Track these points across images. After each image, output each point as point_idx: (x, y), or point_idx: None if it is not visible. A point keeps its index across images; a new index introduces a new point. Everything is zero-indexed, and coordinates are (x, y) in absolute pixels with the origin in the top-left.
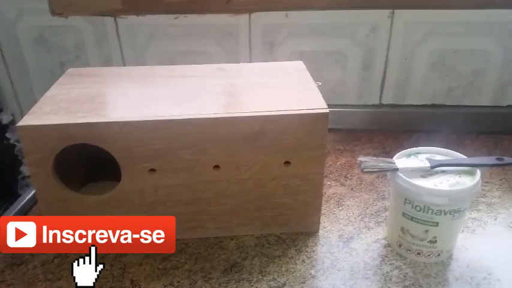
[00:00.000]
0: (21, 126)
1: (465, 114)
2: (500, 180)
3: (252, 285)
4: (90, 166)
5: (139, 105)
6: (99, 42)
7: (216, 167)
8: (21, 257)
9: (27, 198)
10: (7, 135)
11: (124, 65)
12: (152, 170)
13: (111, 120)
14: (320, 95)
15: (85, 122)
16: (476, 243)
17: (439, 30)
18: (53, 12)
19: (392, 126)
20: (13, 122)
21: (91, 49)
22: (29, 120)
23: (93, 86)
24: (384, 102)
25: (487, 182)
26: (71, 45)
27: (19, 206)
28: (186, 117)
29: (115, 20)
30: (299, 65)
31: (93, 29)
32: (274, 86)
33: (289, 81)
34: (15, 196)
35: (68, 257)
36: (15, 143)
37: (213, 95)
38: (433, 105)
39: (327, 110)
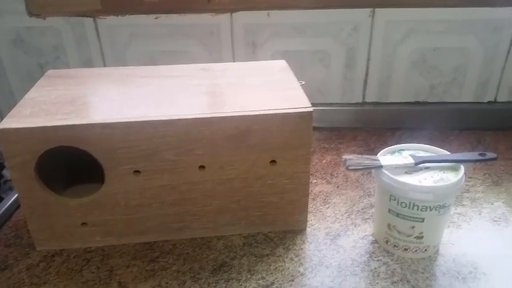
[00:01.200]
0: (1, 130)
1: (447, 111)
2: (484, 175)
3: (241, 285)
4: (70, 169)
5: (121, 106)
6: (79, 43)
7: (202, 167)
8: (5, 262)
9: (9, 202)
10: None
11: (105, 66)
12: (137, 172)
13: (93, 121)
14: (304, 94)
15: (66, 124)
16: (462, 238)
17: (419, 28)
18: (30, 13)
19: (376, 124)
20: None
21: (70, 50)
22: (8, 123)
23: (73, 87)
24: (367, 100)
25: (470, 178)
26: (49, 47)
27: (1, 210)
28: (170, 118)
29: (94, 20)
30: (282, 64)
31: (72, 30)
32: (257, 85)
33: (272, 81)
34: None
35: (54, 261)
36: None
37: (197, 95)
38: (416, 103)
39: (311, 109)
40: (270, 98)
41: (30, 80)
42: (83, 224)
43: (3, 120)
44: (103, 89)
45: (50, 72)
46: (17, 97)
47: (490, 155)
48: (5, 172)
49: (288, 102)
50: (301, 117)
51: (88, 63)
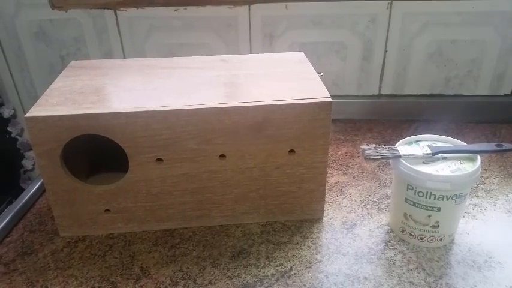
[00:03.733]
0: (30, 117)
1: (463, 103)
2: (499, 167)
3: (260, 270)
4: (94, 158)
5: (144, 96)
6: (99, 35)
7: (222, 156)
8: (31, 247)
9: (33, 189)
10: (8, 129)
11: (124, 58)
12: (159, 160)
13: (118, 111)
14: (322, 85)
15: (93, 112)
16: (477, 228)
17: (436, 20)
18: (53, 6)
19: (392, 116)
20: (14, 116)
21: (91, 42)
22: (36, 111)
23: (97, 78)
24: (383, 92)
25: (485, 170)
26: (70, 39)
27: (24, 200)
28: (191, 108)
29: (115, 12)
30: (300, 55)
31: (93, 22)
32: (276, 76)
33: (291, 72)
34: (17, 190)
35: (77, 246)
36: (17, 136)
37: (217, 85)
38: (432, 95)
39: (330, 99)
40: (289, 89)
41: (51, 72)
42: (106, 210)
43: (31, 108)
44: (126, 80)
45: (73, 63)
46: (38, 89)
47: (507, 146)
48: (25, 162)
49: (307, 93)
50: (320, 108)
51: (108, 55)
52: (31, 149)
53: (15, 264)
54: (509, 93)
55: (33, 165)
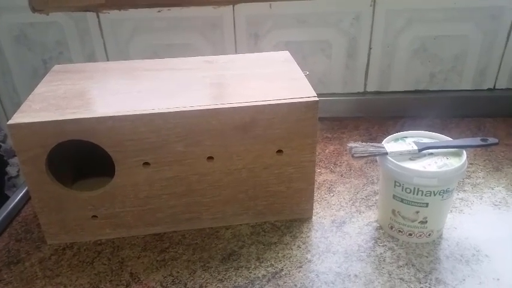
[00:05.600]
0: (12, 125)
1: (448, 98)
2: (484, 161)
3: (251, 272)
4: (79, 163)
5: (129, 99)
6: (82, 38)
7: (210, 158)
8: (17, 256)
9: (18, 197)
10: None
11: (108, 61)
12: (146, 164)
13: (103, 115)
14: (308, 84)
15: (77, 117)
16: (464, 222)
17: (419, 17)
18: (33, 9)
19: (378, 113)
20: None
21: (74, 45)
22: (19, 118)
23: (81, 82)
24: (369, 89)
25: (471, 164)
26: (53, 42)
27: (11, 206)
28: (178, 110)
29: (97, 15)
30: (285, 55)
31: (75, 25)
32: (262, 76)
33: (277, 72)
34: (2, 197)
35: (65, 254)
36: (0, 143)
37: (203, 87)
38: (417, 91)
39: (317, 98)
40: (276, 88)
41: (34, 76)
42: (93, 216)
43: (14, 115)
44: (110, 83)
45: (56, 67)
46: (21, 94)
47: (491, 140)
48: (9, 169)
49: (293, 92)
50: (307, 107)
51: (91, 58)
52: (15, 156)
53: (1, 274)
54: (492, 87)
55: (18, 171)
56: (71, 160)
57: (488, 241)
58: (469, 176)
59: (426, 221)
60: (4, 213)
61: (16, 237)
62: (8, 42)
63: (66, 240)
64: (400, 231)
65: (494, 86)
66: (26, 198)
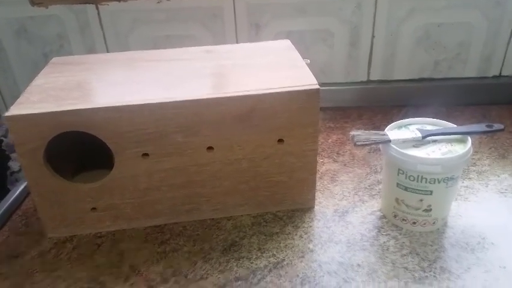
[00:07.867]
0: (10, 116)
1: (452, 86)
2: (490, 148)
3: (252, 263)
4: (79, 156)
5: (128, 90)
6: (82, 30)
7: (210, 148)
8: (17, 249)
9: (18, 191)
10: None
11: (108, 52)
12: (145, 155)
13: (102, 106)
14: (310, 72)
15: (75, 108)
16: (470, 210)
17: (423, 4)
18: (33, 3)
19: (381, 102)
20: None
21: (74, 38)
22: (17, 109)
23: (79, 73)
24: (372, 78)
25: (476, 151)
26: (53, 35)
27: (11, 200)
28: (177, 100)
29: (97, 7)
30: (286, 43)
31: (75, 18)
32: (263, 65)
33: (278, 60)
34: (4, 192)
35: (65, 247)
36: (2, 137)
37: (203, 76)
38: (421, 79)
39: (318, 86)
40: (276, 77)
41: (34, 69)
42: (93, 209)
43: (12, 107)
44: (109, 74)
45: (54, 59)
46: (21, 88)
47: (497, 126)
48: (11, 164)
49: (294, 81)
50: (308, 95)
51: (91, 51)
52: None
53: (1, 268)
54: (498, 74)
55: (20, 166)
56: (72, 153)
57: (494, 229)
58: (475, 163)
59: (430, 209)
60: (4, 208)
61: (16, 231)
62: (8, 36)
63: (65, 233)
64: (403, 219)
65: (500, 73)
66: (27, 192)
